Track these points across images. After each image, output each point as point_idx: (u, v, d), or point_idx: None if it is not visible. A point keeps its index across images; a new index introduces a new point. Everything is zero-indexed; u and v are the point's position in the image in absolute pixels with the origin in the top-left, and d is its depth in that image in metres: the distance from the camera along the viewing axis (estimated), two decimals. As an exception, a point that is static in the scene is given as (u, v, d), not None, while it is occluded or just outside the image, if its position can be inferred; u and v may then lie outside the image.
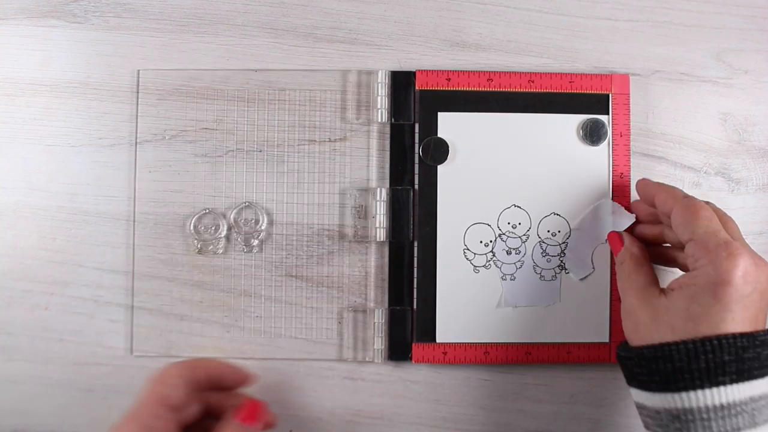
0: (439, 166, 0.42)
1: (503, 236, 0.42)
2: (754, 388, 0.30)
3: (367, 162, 0.43)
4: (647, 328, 0.33)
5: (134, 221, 0.43)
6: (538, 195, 0.42)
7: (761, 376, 0.31)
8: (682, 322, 0.32)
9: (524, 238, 0.42)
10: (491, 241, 0.42)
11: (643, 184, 0.40)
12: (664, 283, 0.36)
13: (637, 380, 0.34)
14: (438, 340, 0.42)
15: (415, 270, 0.42)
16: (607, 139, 0.43)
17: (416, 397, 0.42)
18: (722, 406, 0.30)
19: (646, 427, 0.34)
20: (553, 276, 0.42)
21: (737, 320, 0.31)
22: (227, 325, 0.43)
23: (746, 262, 0.31)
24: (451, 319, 0.42)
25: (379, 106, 0.42)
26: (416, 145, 0.42)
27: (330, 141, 0.43)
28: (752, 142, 0.44)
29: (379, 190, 0.42)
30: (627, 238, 0.39)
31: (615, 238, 0.40)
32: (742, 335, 0.30)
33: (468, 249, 0.42)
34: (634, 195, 0.43)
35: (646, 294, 0.35)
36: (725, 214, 0.36)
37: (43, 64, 0.43)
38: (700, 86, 0.44)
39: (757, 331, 0.31)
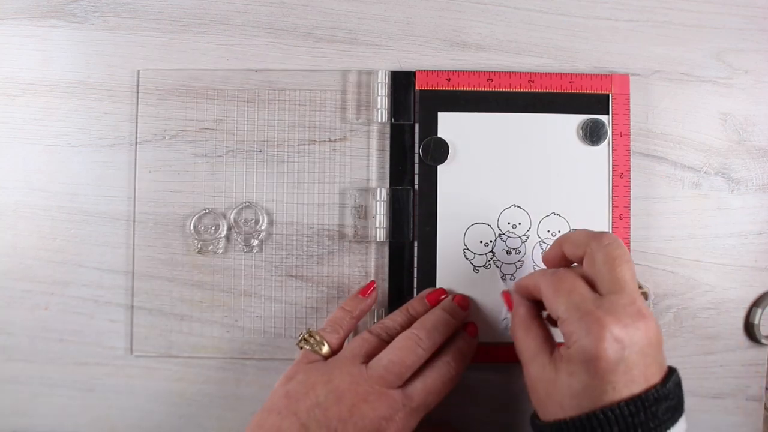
0: (439, 166, 0.42)
1: (503, 236, 0.42)
2: None
3: (367, 162, 0.43)
4: (544, 404, 0.33)
5: (134, 221, 0.43)
6: (538, 195, 0.42)
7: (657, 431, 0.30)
8: (568, 398, 0.31)
9: (524, 238, 0.42)
10: (491, 241, 0.42)
11: (517, 286, 0.37)
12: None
13: None
14: (438, 340, 0.42)
15: (415, 270, 0.42)
16: (607, 139, 0.43)
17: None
18: None
19: None
20: (553, 276, 0.42)
21: (619, 388, 0.29)
22: (227, 325, 0.43)
23: (612, 330, 0.29)
24: (451, 319, 0.42)
25: (379, 106, 0.42)
26: (416, 145, 0.42)
27: (330, 141, 0.43)
28: (752, 142, 0.44)
29: (379, 190, 0.42)
30: (515, 298, 0.37)
31: (506, 297, 0.40)
32: (628, 402, 0.29)
33: (468, 249, 0.42)
34: (635, 195, 0.43)
35: (537, 364, 0.33)
36: (605, 257, 0.32)
37: (43, 64, 0.43)
38: (700, 86, 0.44)
39: (646, 389, 0.30)
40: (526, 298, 0.36)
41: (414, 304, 0.40)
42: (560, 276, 0.33)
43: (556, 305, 0.32)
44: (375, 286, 0.42)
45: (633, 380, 0.30)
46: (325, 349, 0.37)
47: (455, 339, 0.39)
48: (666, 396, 0.30)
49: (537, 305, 0.36)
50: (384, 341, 0.37)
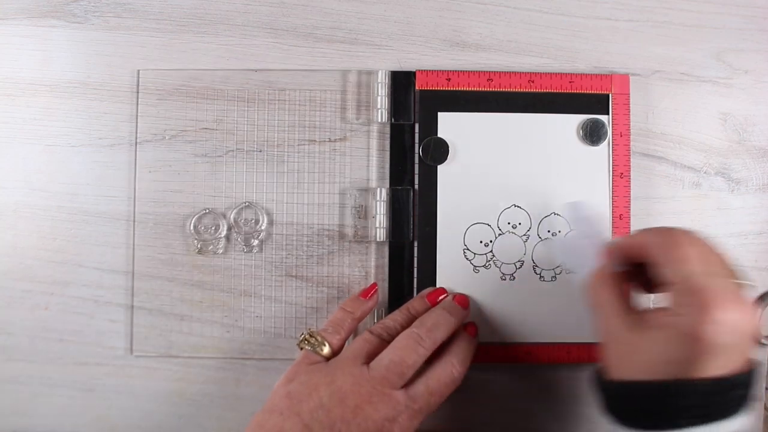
0: (439, 166, 0.42)
1: (503, 236, 0.42)
2: (715, 429, 0.30)
3: (367, 162, 0.43)
4: (619, 362, 0.32)
5: (134, 221, 0.43)
6: (538, 195, 0.42)
7: (724, 417, 0.30)
8: (653, 363, 0.31)
9: (524, 238, 0.42)
10: (491, 241, 0.42)
11: (619, 245, 0.35)
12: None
13: (610, 413, 0.33)
14: (438, 340, 0.42)
15: (415, 270, 0.42)
16: (607, 139, 0.43)
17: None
18: None
19: None
20: (552, 276, 0.42)
21: (707, 368, 0.30)
22: (227, 325, 0.43)
23: (716, 313, 0.29)
24: (451, 319, 0.42)
25: (379, 106, 0.42)
26: (416, 145, 0.42)
27: (330, 141, 0.43)
28: (752, 142, 0.44)
29: (379, 190, 0.42)
30: (607, 253, 0.36)
31: (593, 244, 0.38)
32: (711, 381, 0.30)
33: (468, 249, 0.42)
34: (634, 195, 0.43)
35: (619, 323, 0.33)
36: (710, 249, 0.32)
37: (43, 64, 0.43)
38: (700, 86, 0.44)
39: (731, 374, 0.30)
40: (621, 256, 0.35)
41: (414, 303, 0.40)
42: (675, 240, 0.32)
43: (666, 270, 0.31)
44: (377, 288, 0.42)
45: (722, 364, 0.30)
46: (326, 349, 0.37)
47: (457, 340, 0.39)
48: (744, 383, 0.30)
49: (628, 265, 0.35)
50: (385, 341, 0.37)
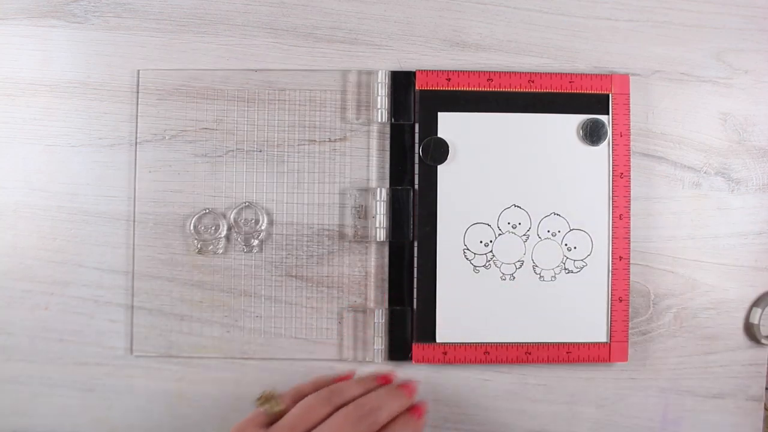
0: (439, 166, 0.42)
1: (503, 236, 0.42)
2: None
3: (367, 162, 0.43)
4: None
5: (134, 221, 0.43)
6: (538, 195, 0.42)
7: None
8: None
9: (524, 238, 0.42)
10: (491, 241, 0.42)
11: None
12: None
13: None
14: (438, 340, 0.42)
15: (415, 270, 0.42)
16: (607, 139, 0.43)
17: (416, 397, 0.42)
18: None
19: None
20: (552, 276, 0.42)
21: None
22: (227, 325, 0.43)
23: None
24: (451, 319, 0.42)
25: (379, 106, 0.42)
26: (416, 145, 0.42)
27: (330, 141, 0.43)
28: (752, 142, 0.44)
29: (379, 190, 0.42)
30: None
31: None
32: None
33: (468, 249, 0.42)
34: (634, 195, 0.43)
35: None
36: None
37: (43, 64, 0.43)
38: (700, 86, 0.44)
39: None
40: None
41: (366, 380, 0.38)
42: None
43: None
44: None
45: None
46: (278, 408, 0.35)
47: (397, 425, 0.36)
48: None
49: None
50: (336, 406, 0.35)
